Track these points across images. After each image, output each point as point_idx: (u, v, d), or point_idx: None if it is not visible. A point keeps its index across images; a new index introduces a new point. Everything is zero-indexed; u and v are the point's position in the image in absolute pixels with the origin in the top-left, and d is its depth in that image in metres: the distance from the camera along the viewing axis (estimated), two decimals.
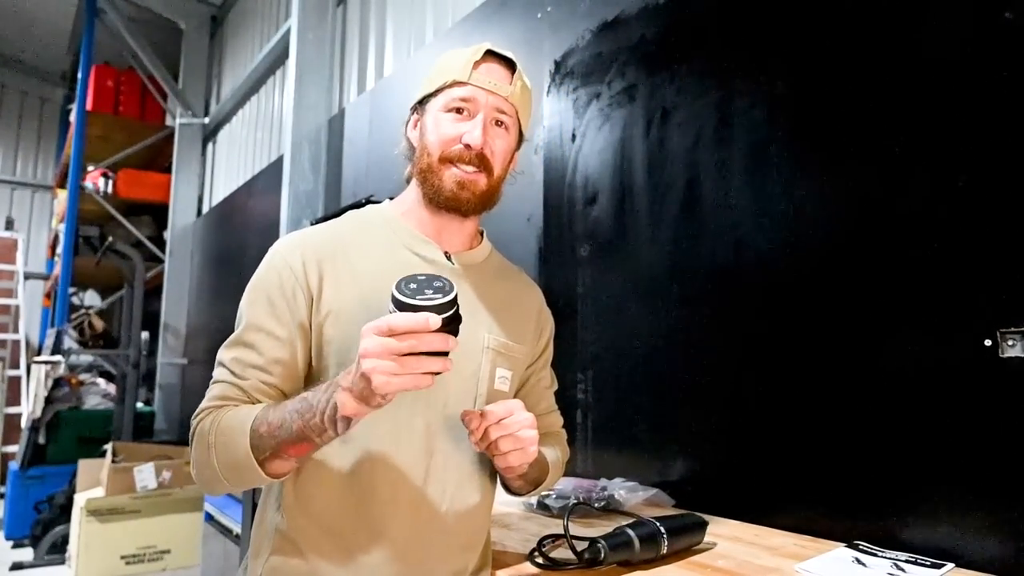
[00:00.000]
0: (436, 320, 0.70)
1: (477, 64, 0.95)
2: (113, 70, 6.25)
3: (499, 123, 0.96)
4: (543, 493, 1.36)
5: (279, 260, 0.92)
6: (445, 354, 0.72)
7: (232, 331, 0.91)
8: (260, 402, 0.87)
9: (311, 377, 0.92)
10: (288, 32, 3.83)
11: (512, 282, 1.09)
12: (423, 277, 0.75)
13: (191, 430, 0.87)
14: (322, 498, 0.89)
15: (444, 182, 0.94)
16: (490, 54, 0.96)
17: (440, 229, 0.99)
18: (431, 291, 0.72)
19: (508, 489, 1.06)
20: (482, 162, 0.94)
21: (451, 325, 0.72)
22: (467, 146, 0.93)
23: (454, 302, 0.72)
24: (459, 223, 0.99)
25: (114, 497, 3.55)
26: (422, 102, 0.99)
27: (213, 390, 0.88)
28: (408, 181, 1.02)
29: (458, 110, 0.95)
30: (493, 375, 0.98)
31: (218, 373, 0.89)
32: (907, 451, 1.10)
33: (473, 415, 0.88)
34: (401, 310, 0.71)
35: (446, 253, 0.99)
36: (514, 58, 0.97)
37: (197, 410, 0.87)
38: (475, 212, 0.98)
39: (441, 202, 0.95)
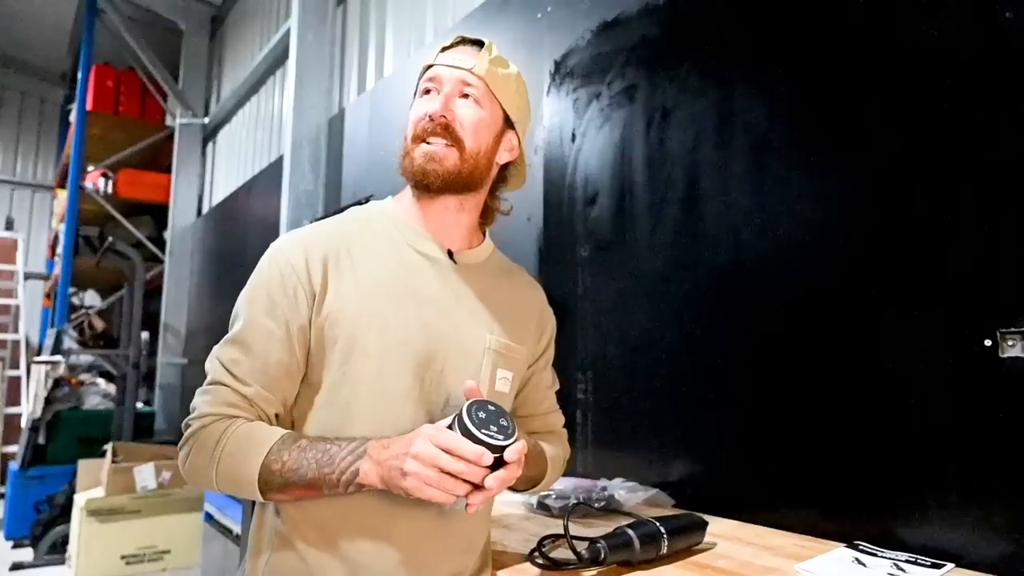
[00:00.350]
0: (489, 458, 0.76)
1: (446, 49, 0.98)
2: (113, 70, 6.24)
3: (467, 96, 0.96)
4: (543, 493, 1.36)
5: (281, 257, 0.91)
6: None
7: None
8: (264, 410, 0.87)
9: (309, 376, 0.91)
10: (288, 32, 3.83)
11: (513, 282, 1.08)
12: (493, 408, 0.80)
13: (189, 430, 0.85)
14: (323, 502, 0.88)
15: (415, 159, 0.94)
16: (465, 41, 0.99)
17: (436, 222, 0.98)
18: (495, 428, 0.77)
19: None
20: (448, 133, 0.93)
21: (496, 465, 0.78)
22: (430, 118, 0.93)
23: (504, 448, 0.78)
24: (453, 215, 0.99)
25: (114, 497, 3.54)
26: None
27: (215, 393, 0.86)
28: None
29: (426, 91, 0.97)
30: (494, 376, 0.97)
31: (216, 373, 0.87)
32: (907, 451, 1.10)
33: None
34: (463, 431, 0.76)
35: (449, 252, 0.99)
36: (486, 40, 0.99)
37: (198, 412, 0.86)
38: (447, 190, 0.96)
39: (411, 178, 0.96)
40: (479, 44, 0.98)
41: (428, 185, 0.94)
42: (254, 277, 0.92)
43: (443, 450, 0.75)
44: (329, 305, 0.89)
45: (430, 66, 0.98)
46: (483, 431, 0.76)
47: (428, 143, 0.93)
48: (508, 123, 1.00)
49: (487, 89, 0.96)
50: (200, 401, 0.87)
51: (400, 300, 0.92)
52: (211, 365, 0.89)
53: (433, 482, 0.75)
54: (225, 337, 0.90)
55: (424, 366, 0.91)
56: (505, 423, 0.79)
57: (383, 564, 0.88)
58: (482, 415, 0.78)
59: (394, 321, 0.90)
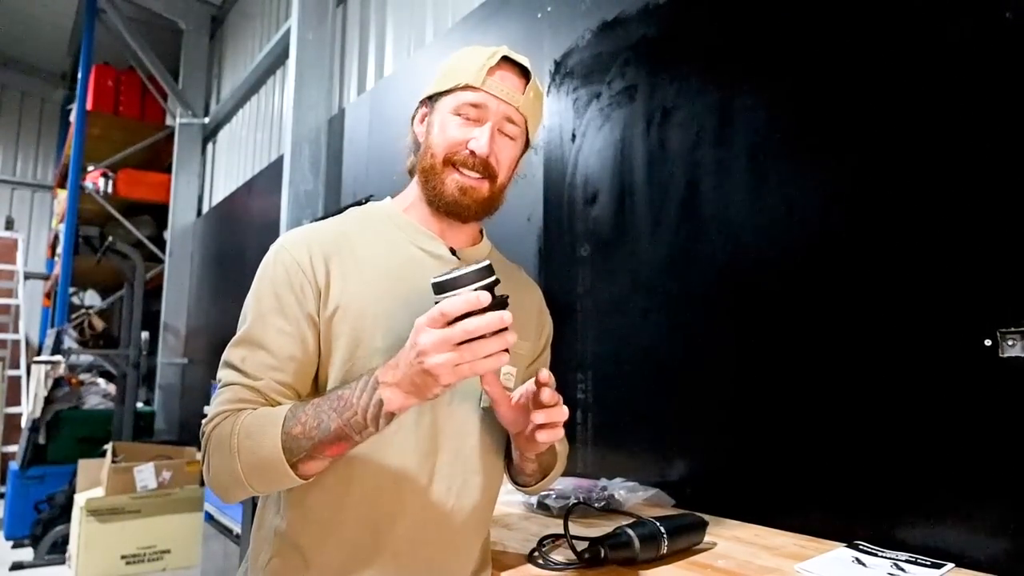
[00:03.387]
0: (486, 296, 0.69)
1: (492, 71, 0.94)
2: (113, 70, 6.25)
3: (507, 133, 0.96)
4: (543, 493, 1.36)
5: (286, 255, 0.90)
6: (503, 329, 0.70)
7: (233, 328, 0.90)
8: (277, 401, 0.85)
9: (317, 374, 0.90)
10: (288, 32, 3.83)
11: (513, 280, 1.09)
12: (456, 269, 0.73)
13: (204, 436, 0.84)
14: (325, 499, 0.88)
15: (446, 186, 0.93)
16: (506, 60, 0.95)
17: (443, 228, 0.99)
18: (473, 271, 0.71)
19: (515, 482, 1.06)
20: (486, 169, 0.93)
21: (497, 298, 0.71)
22: (472, 153, 0.92)
23: (491, 270, 0.72)
24: (460, 224, 0.99)
25: (114, 497, 3.55)
26: (432, 98, 0.98)
27: (225, 393, 0.85)
28: (411, 173, 1.01)
29: (468, 115, 0.94)
30: (498, 371, 0.97)
31: (227, 375, 0.86)
32: (907, 451, 1.10)
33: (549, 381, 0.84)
34: (440, 292, 0.71)
35: (451, 249, 0.99)
36: (528, 66, 0.96)
37: (210, 415, 0.85)
38: (475, 218, 0.98)
39: (441, 206, 0.94)
40: (521, 68, 0.96)
41: (459, 215, 0.95)
42: (260, 276, 0.91)
43: (443, 324, 0.69)
44: (334, 302, 0.88)
45: (472, 86, 0.93)
46: (455, 272, 0.71)
47: (462, 173, 0.93)
48: (525, 146, 1.02)
49: (524, 125, 0.98)
50: (212, 404, 0.86)
51: (406, 296, 0.91)
52: (222, 371, 0.88)
53: (462, 359, 0.69)
54: (234, 338, 0.89)
55: None
56: (478, 263, 0.72)
57: (387, 561, 0.88)
58: (455, 274, 0.71)
59: (401, 317, 0.90)
